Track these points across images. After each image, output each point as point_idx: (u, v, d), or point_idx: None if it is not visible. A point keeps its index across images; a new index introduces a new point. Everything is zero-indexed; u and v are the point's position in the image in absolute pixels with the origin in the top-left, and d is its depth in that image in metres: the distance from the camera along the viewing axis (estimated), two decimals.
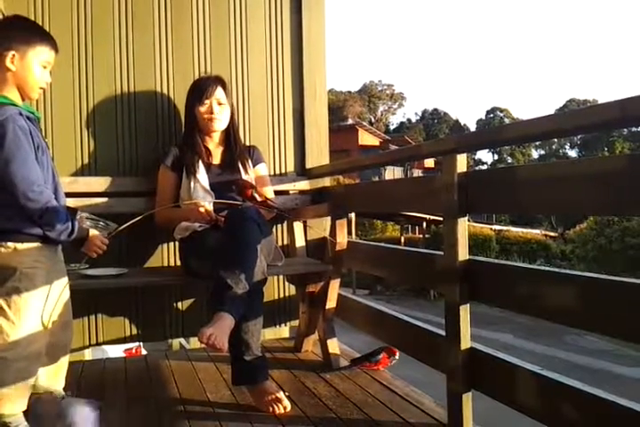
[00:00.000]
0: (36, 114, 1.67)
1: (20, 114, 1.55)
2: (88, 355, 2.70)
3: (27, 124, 1.56)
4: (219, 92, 2.33)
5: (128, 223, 1.82)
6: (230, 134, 2.41)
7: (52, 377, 1.75)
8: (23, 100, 1.65)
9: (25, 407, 1.58)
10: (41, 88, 1.66)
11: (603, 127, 1.26)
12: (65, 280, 1.72)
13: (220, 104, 2.33)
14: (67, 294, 1.74)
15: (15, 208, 1.53)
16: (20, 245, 1.55)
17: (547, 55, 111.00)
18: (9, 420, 1.53)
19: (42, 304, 1.59)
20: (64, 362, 1.79)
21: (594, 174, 1.27)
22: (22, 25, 1.67)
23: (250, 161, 2.40)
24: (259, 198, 2.17)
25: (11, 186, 1.51)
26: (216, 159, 2.37)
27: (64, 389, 1.81)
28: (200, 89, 2.32)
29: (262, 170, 2.47)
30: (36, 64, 1.61)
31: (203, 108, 2.31)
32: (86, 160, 2.42)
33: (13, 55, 1.56)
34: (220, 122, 2.34)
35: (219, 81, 2.36)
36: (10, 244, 1.55)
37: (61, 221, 1.58)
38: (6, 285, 1.54)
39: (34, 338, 1.58)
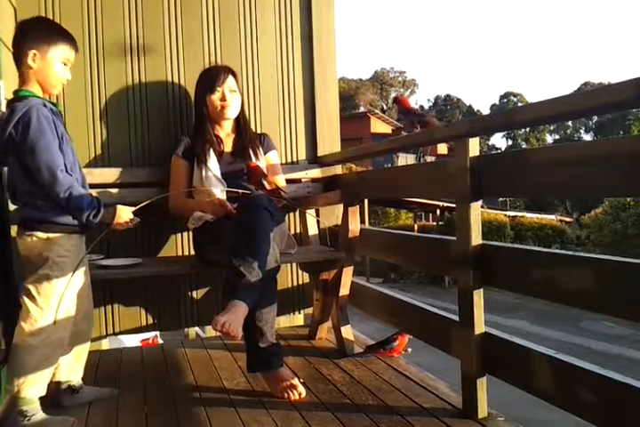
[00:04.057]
0: (59, 108, 1.73)
1: (45, 105, 1.62)
2: (105, 345, 2.73)
3: (50, 115, 1.62)
4: (230, 79, 2.33)
5: (148, 201, 1.83)
6: (240, 123, 2.41)
7: (72, 367, 1.79)
8: (44, 94, 1.71)
9: (44, 393, 1.62)
10: (62, 84, 1.73)
11: (617, 107, 1.24)
12: (87, 270, 1.76)
13: (231, 91, 2.33)
14: (88, 284, 1.77)
15: (42, 197, 1.60)
16: (51, 235, 1.62)
17: (560, 38, 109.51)
18: (26, 408, 1.56)
19: (67, 293, 1.63)
20: (84, 352, 1.83)
21: (607, 156, 1.25)
22: (43, 25, 1.74)
23: (261, 149, 2.40)
24: (268, 187, 2.17)
25: (35, 171, 1.57)
26: (227, 147, 2.37)
27: (82, 378, 1.84)
28: (211, 77, 2.32)
29: (273, 157, 2.47)
30: (56, 62, 1.67)
31: (215, 96, 2.31)
32: (99, 151, 2.44)
33: (35, 54, 1.64)
34: (233, 109, 2.34)
35: (229, 70, 2.37)
36: (41, 233, 1.61)
37: (87, 202, 1.63)
38: (38, 272, 1.60)
39: (60, 325, 1.62)
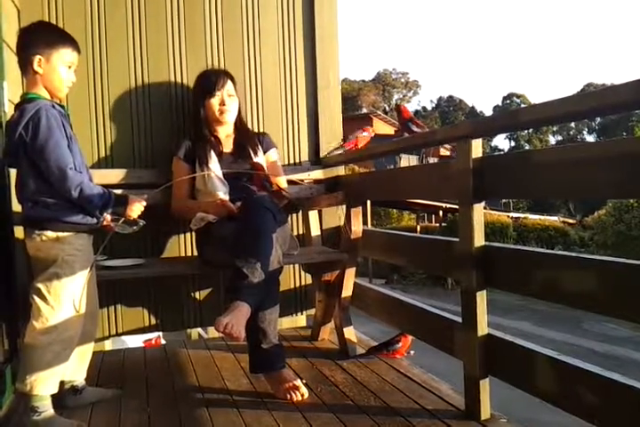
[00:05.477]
0: (67, 111, 1.75)
1: (53, 107, 1.65)
2: (108, 345, 2.74)
3: (59, 116, 1.64)
4: (228, 84, 2.35)
5: (157, 190, 1.88)
6: (238, 126, 2.43)
7: (76, 367, 1.80)
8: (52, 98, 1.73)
9: (56, 391, 1.63)
10: (67, 87, 1.75)
11: (619, 109, 1.24)
12: (94, 271, 1.77)
13: (230, 96, 2.34)
14: (94, 285, 1.79)
15: (53, 195, 1.62)
16: (61, 234, 1.63)
17: (564, 39, 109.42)
18: (37, 404, 1.58)
19: (78, 291, 1.65)
20: (88, 352, 1.85)
21: (610, 157, 1.25)
22: (45, 30, 1.76)
23: (260, 148, 2.41)
24: (269, 188, 2.18)
25: (45, 169, 1.59)
26: (227, 148, 2.38)
27: (85, 379, 1.85)
28: (210, 81, 2.34)
29: (273, 155, 2.47)
30: (60, 65, 1.70)
31: (214, 100, 2.32)
32: (102, 153, 2.44)
33: (40, 59, 1.66)
34: (231, 113, 2.36)
35: (227, 74, 2.39)
36: (50, 233, 1.63)
37: (98, 195, 1.64)
38: (48, 271, 1.62)
39: (70, 323, 1.64)
